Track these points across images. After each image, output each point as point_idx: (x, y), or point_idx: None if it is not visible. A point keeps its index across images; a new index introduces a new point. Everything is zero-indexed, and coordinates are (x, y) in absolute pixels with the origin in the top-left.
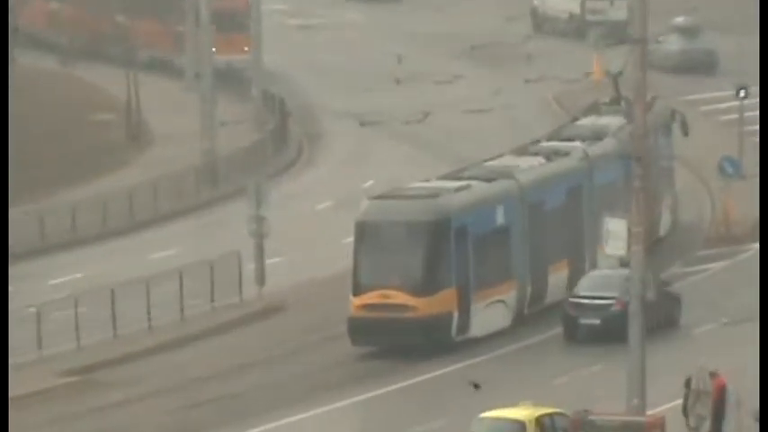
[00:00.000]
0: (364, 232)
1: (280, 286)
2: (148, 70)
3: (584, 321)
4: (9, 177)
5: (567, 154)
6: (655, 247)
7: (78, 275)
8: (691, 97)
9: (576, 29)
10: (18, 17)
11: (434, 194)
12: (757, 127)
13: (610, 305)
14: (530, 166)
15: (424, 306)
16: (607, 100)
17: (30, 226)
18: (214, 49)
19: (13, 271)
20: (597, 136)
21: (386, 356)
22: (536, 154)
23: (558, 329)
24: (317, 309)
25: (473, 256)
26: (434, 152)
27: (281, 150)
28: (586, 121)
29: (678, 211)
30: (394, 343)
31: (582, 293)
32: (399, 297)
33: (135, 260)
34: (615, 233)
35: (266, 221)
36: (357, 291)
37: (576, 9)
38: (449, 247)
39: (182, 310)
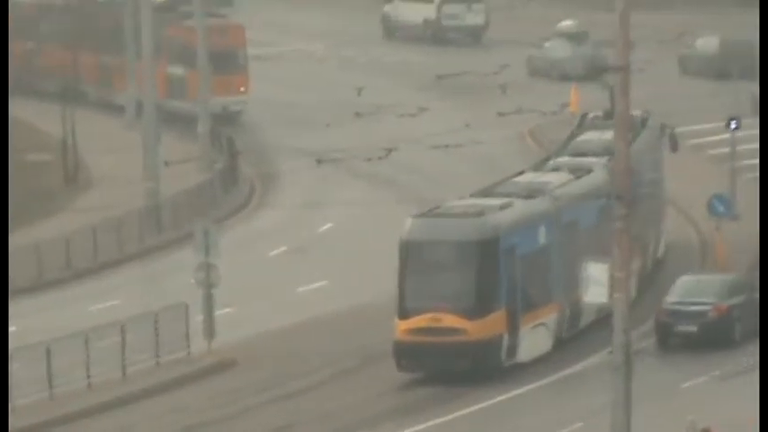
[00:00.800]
0: (410, 252)
1: (230, 340)
2: (86, 107)
3: (680, 329)
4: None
5: (590, 170)
6: (639, 293)
7: (12, 329)
8: (680, 129)
9: (432, 35)
10: None
11: (480, 213)
12: (751, 162)
13: (706, 311)
14: (561, 183)
15: (475, 330)
16: (600, 114)
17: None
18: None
19: None
20: (610, 151)
21: (364, 413)
22: (557, 170)
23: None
24: (271, 364)
25: (519, 277)
26: (398, 192)
27: (230, 192)
28: (591, 136)
29: (663, 252)
30: (443, 368)
31: (676, 300)
32: (450, 320)
33: (73, 312)
34: (596, 279)
35: (215, 269)
36: (404, 314)
37: (432, 14)
38: (498, 267)
39: (124, 366)
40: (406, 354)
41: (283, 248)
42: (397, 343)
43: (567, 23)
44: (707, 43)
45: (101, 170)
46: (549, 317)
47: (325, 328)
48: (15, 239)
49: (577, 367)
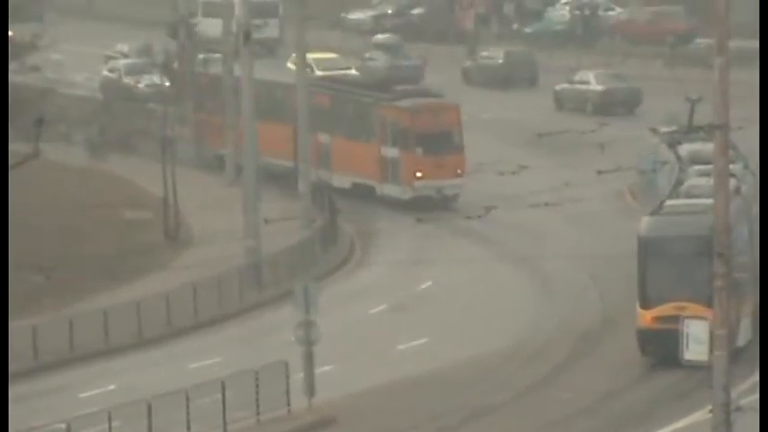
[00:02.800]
0: (650, 248)
1: (331, 397)
2: (186, 164)
3: None
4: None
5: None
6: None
7: (111, 387)
8: None
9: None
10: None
11: (708, 210)
12: None
13: None
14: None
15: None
16: (675, 128)
17: (58, 334)
18: (419, 174)
19: (41, 383)
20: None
21: None
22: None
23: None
24: (372, 421)
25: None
26: (497, 250)
27: (330, 250)
28: (696, 147)
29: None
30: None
31: None
32: (694, 309)
33: (173, 370)
34: (696, 336)
35: (315, 327)
36: (647, 304)
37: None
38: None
39: (224, 423)
40: (651, 340)
41: (383, 306)
42: (642, 331)
43: None
44: None
45: (201, 228)
46: (752, 307)
47: (425, 386)
48: (116, 297)
49: (679, 424)
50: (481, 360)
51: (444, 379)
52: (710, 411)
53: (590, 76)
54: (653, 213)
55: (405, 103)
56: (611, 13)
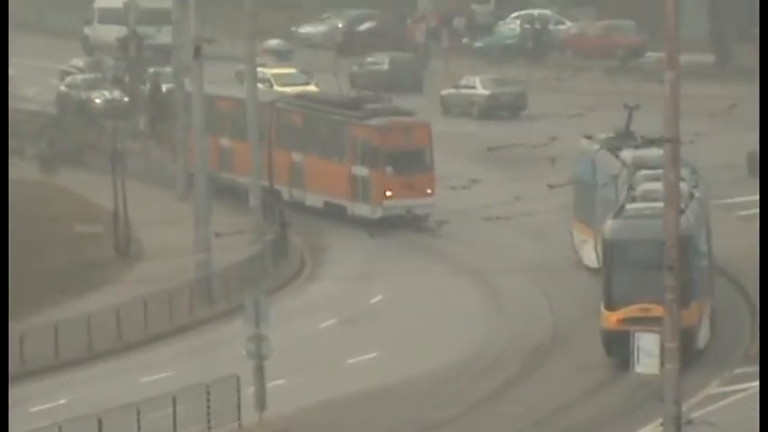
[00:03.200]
0: (615, 251)
1: (282, 411)
2: (136, 179)
3: None
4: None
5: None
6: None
7: (62, 401)
8: (729, 201)
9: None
10: None
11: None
12: None
13: None
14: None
15: (684, 318)
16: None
17: (9, 348)
18: (389, 193)
19: None
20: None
21: None
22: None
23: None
24: None
25: (701, 270)
26: (449, 264)
27: (281, 264)
28: (640, 153)
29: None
30: None
31: None
32: (659, 311)
33: (124, 384)
34: (647, 350)
35: (266, 341)
36: (612, 306)
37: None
38: (692, 262)
39: None
40: (616, 341)
41: (334, 320)
42: (607, 332)
43: None
44: None
45: (152, 242)
46: (709, 307)
47: (376, 400)
48: (65, 311)
49: None
50: (432, 374)
51: (395, 393)
52: (661, 425)
53: (476, 80)
54: (615, 217)
55: (375, 121)
56: (561, 27)
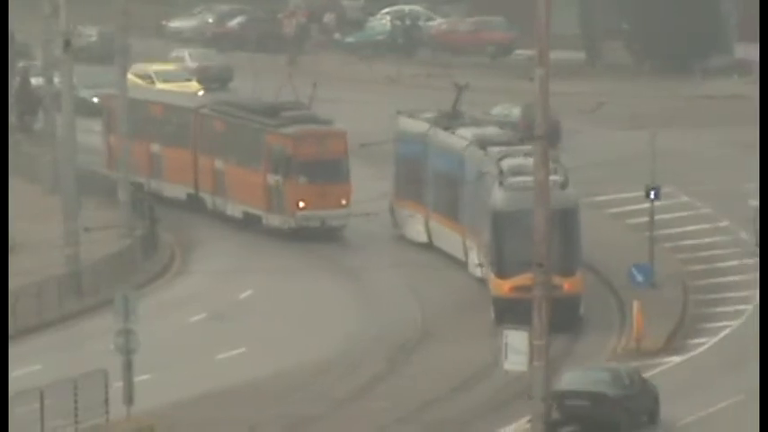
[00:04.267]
0: (506, 220)
1: (149, 406)
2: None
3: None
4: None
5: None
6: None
7: None
8: (599, 198)
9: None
10: None
11: (563, 185)
12: (668, 231)
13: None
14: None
15: (570, 286)
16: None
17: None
18: (303, 204)
19: None
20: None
21: None
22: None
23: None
24: (190, 430)
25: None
26: (319, 260)
27: (150, 259)
28: (481, 131)
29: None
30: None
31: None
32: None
33: None
34: (515, 347)
35: (134, 335)
36: (504, 274)
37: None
38: (577, 233)
39: (43, 431)
40: (508, 308)
41: (203, 315)
42: (499, 299)
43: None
44: None
45: (20, 236)
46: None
47: (244, 395)
48: None
49: None
50: (300, 370)
51: (263, 389)
52: (529, 422)
53: (185, 53)
54: (503, 187)
55: (288, 129)
56: (431, 23)
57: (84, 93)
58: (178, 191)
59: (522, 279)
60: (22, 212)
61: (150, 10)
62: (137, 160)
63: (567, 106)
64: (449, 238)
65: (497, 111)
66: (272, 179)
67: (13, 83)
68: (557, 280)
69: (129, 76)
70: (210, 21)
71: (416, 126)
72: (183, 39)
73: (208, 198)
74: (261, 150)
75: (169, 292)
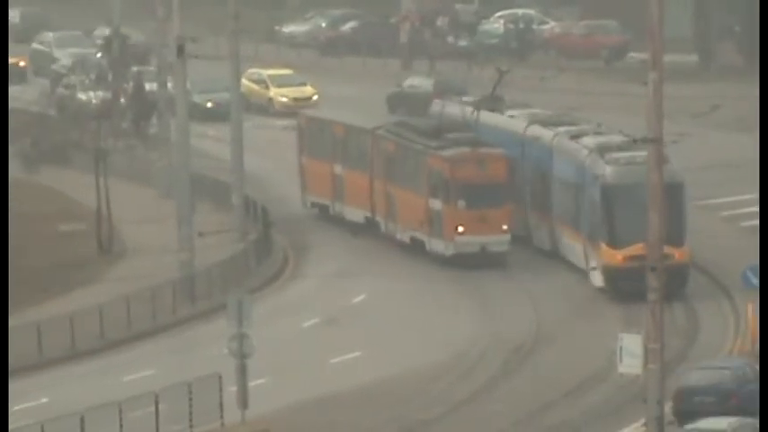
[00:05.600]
0: (618, 193)
1: (264, 410)
2: (121, 177)
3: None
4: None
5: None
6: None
7: (44, 400)
8: (713, 201)
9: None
10: None
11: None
12: None
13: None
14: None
15: (681, 255)
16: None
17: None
18: (462, 229)
19: None
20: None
21: None
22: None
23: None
24: None
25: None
26: (432, 264)
27: (264, 263)
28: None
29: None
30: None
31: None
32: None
33: (107, 383)
34: (630, 350)
35: (248, 340)
36: (616, 244)
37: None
38: (684, 206)
39: None
40: (621, 277)
41: (317, 319)
42: (612, 268)
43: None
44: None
45: (135, 240)
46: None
47: (358, 399)
48: (49, 309)
49: None
50: (414, 374)
51: (377, 393)
52: (644, 425)
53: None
54: (610, 161)
55: (448, 152)
56: (544, 27)
57: (197, 97)
58: (357, 214)
59: (635, 249)
60: (137, 217)
61: (262, 14)
62: (321, 182)
63: (681, 109)
64: (571, 247)
65: (409, 82)
66: (433, 203)
67: (128, 87)
68: (668, 250)
69: (244, 81)
70: (323, 25)
71: (542, 133)
72: (295, 43)
73: (382, 222)
74: (423, 173)
75: (282, 297)
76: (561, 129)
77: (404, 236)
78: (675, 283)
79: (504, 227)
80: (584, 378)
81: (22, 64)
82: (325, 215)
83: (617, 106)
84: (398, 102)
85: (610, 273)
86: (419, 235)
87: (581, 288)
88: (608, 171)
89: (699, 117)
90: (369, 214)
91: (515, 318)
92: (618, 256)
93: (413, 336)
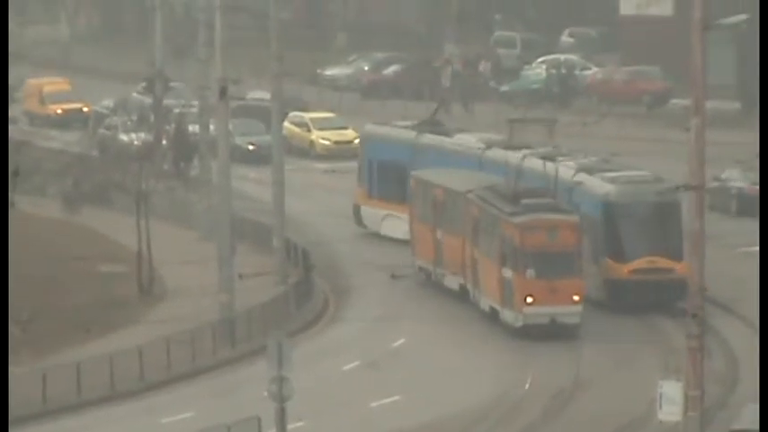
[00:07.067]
0: (620, 211)
1: None
2: (161, 218)
3: None
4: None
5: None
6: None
7: None
8: (753, 249)
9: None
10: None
11: (658, 180)
12: None
13: None
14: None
15: (681, 269)
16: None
17: (31, 387)
18: (531, 299)
19: None
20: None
21: None
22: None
23: None
24: None
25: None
26: (472, 308)
27: (304, 306)
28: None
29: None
30: (658, 300)
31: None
32: (665, 262)
33: (145, 425)
34: (669, 397)
35: (288, 383)
36: (621, 259)
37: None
38: (682, 222)
39: None
40: (627, 290)
41: (357, 363)
42: (616, 281)
43: None
44: None
45: (175, 282)
46: None
47: None
48: (88, 350)
49: None
50: (455, 418)
51: None
52: None
53: None
54: (611, 181)
55: (518, 219)
56: (587, 72)
57: (238, 140)
58: (453, 281)
59: (640, 263)
60: (178, 258)
61: (305, 57)
62: (425, 246)
63: (724, 156)
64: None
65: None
66: (505, 272)
67: (170, 129)
68: (670, 264)
69: (286, 124)
70: (366, 68)
71: (509, 156)
72: (337, 86)
73: (471, 290)
74: (497, 240)
75: (322, 340)
76: (525, 151)
77: (485, 304)
78: (674, 295)
79: (576, 297)
80: (623, 425)
81: (85, 110)
82: (429, 281)
83: (658, 152)
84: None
85: (612, 286)
86: (495, 304)
87: (620, 333)
88: (610, 190)
89: (741, 163)
90: (462, 281)
91: (555, 362)
92: (624, 270)
93: (453, 380)
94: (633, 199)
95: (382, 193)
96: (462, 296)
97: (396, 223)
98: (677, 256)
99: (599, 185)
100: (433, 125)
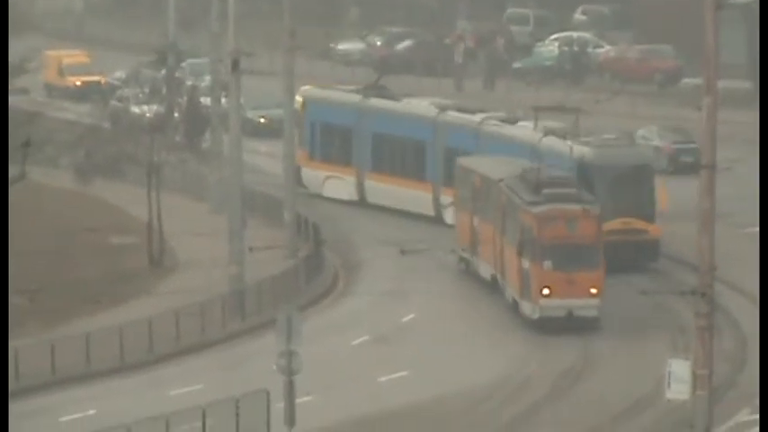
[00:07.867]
0: (600, 172)
1: (311, 427)
2: (173, 191)
3: None
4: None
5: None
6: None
7: (92, 412)
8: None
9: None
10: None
11: (632, 144)
12: None
13: None
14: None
15: (654, 230)
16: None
17: (40, 357)
18: (547, 291)
19: (23, 406)
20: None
21: None
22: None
23: None
24: None
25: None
26: (482, 284)
27: (314, 280)
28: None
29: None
30: (633, 260)
31: None
32: (639, 224)
33: (154, 396)
34: (678, 376)
35: (297, 356)
36: None
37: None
38: (654, 184)
39: None
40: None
41: (366, 337)
42: None
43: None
44: None
45: (185, 254)
46: None
47: (405, 419)
48: (98, 321)
49: None
50: (462, 394)
51: (424, 413)
52: None
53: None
54: (591, 144)
55: (537, 208)
56: (599, 50)
57: (250, 113)
58: (486, 270)
59: (615, 224)
60: (188, 230)
61: (318, 31)
62: (464, 235)
63: (735, 135)
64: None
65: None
66: (524, 262)
67: (182, 102)
68: (643, 225)
69: (297, 97)
70: (378, 44)
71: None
72: (350, 61)
73: (500, 279)
74: (517, 230)
75: (332, 314)
76: (480, 115)
77: (508, 295)
78: (647, 255)
79: (594, 290)
80: (631, 403)
81: (103, 82)
82: (469, 270)
83: (669, 130)
84: None
85: None
86: (515, 296)
87: (628, 311)
88: (586, 152)
89: (754, 143)
90: (494, 271)
91: (564, 340)
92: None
93: (462, 356)
94: (608, 161)
95: (324, 156)
96: (494, 286)
97: (338, 184)
98: (650, 218)
99: (575, 148)
100: (378, 89)
